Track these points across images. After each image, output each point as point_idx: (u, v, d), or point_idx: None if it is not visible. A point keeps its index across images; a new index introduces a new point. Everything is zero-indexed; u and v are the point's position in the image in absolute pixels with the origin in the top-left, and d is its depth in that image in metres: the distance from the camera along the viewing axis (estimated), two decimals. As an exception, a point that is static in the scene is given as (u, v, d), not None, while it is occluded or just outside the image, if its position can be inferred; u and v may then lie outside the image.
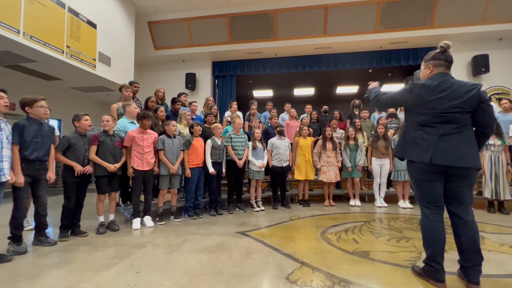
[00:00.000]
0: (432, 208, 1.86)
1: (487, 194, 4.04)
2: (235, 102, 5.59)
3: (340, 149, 4.85)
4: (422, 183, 1.87)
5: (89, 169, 3.06)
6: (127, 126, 3.68)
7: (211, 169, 3.91)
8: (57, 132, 3.25)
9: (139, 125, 3.49)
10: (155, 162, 3.55)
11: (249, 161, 4.36)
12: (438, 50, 1.90)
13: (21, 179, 2.49)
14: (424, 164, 1.80)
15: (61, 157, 2.94)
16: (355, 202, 4.64)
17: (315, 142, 4.90)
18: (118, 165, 3.22)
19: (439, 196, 1.85)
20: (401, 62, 8.22)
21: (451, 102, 1.75)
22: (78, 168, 2.94)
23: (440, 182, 1.83)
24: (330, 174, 4.62)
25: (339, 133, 5.18)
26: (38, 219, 2.75)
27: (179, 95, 4.94)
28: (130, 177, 3.46)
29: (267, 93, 12.15)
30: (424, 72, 1.97)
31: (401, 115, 5.80)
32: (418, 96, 1.83)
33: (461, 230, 1.81)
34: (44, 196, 2.77)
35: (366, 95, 2.28)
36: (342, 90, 11.92)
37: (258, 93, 12.18)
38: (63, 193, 2.99)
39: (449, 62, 1.88)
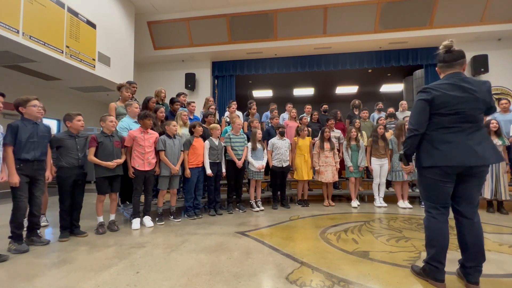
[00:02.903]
0: (439, 209, 1.85)
1: (486, 194, 4.04)
2: (235, 102, 5.58)
3: (339, 150, 4.87)
4: (436, 184, 1.83)
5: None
6: (132, 125, 3.69)
7: (209, 171, 3.91)
8: (54, 132, 3.23)
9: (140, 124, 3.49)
10: (156, 162, 3.55)
11: (248, 161, 4.36)
12: (440, 51, 1.88)
13: (15, 179, 2.48)
14: (449, 166, 1.75)
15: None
16: (356, 203, 4.64)
17: (313, 143, 4.91)
18: (118, 161, 3.21)
19: (448, 197, 1.84)
20: (400, 62, 8.24)
21: (472, 101, 1.73)
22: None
23: (452, 183, 1.81)
24: (328, 174, 4.63)
25: (337, 133, 5.18)
26: (32, 219, 2.74)
27: (178, 95, 4.93)
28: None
29: (267, 93, 12.16)
30: (439, 74, 1.96)
31: (400, 115, 5.81)
32: (440, 97, 1.77)
33: (468, 230, 1.80)
34: (40, 196, 2.76)
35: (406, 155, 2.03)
36: (342, 90, 11.94)
37: (257, 93, 12.19)
38: (58, 194, 2.98)
39: (451, 61, 1.84)
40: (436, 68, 1.96)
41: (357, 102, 6.03)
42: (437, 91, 1.79)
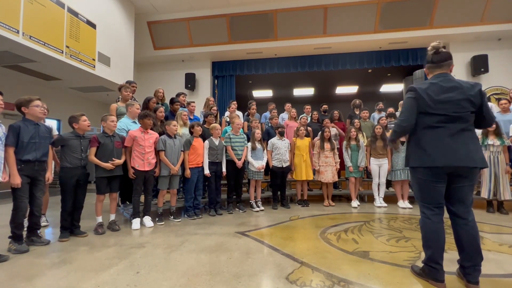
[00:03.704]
0: (433, 209, 1.85)
1: (484, 194, 4.04)
2: (235, 102, 5.58)
3: (339, 150, 4.88)
4: (427, 185, 1.84)
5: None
6: (130, 125, 3.68)
7: (207, 171, 3.92)
8: (55, 132, 3.23)
9: (140, 125, 3.49)
10: (156, 162, 3.54)
11: (248, 161, 4.36)
12: (428, 52, 1.92)
13: (17, 180, 2.49)
14: (435, 167, 1.77)
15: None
16: (356, 203, 4.63)
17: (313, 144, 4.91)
18: (116, 162, 3.20)
19: (441, 197, 1.85)
20: (400, 62, 8.24)
21: (459, 102, 1.75)
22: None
23: (443, 183, 1.82)
24: (328, 174, 4.63)
25: (333, 131, 5.18)
26: (32, 220, 2.74)
27: (178, 95, 4.94)
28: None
29: (267, 93, 12.15)
30: (427, 74, 2.00)
31: (400, 115, 5.80)
32: (426, 96, 1.80)
33: (463, 230, 1.80)
34: (41, 197, 2.76)
35: (390, 141, 2.16)
36: (342, 90, 11.94)
37: (257, 93, 12.19)
38: (60, 194, 2.98)
39: (439, 62, 1.87)
40: (424, 69, 1.98)
41: (358, 101, 6.03)
42: (423, 90, 1.82)
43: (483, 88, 1.81)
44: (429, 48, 1.92)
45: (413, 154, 1.89)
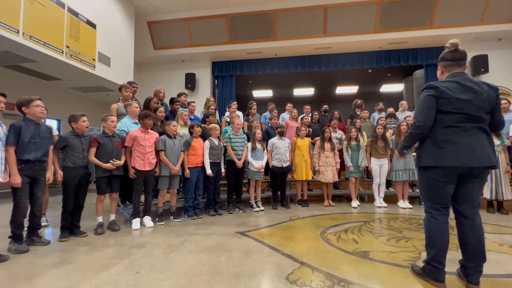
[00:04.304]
0: (440, 210, 1.84)
1: (486, 194, 4.03)
2: (235, 102, 5.58)
3: (339, 150, 4.88)
4: (437, 185, 1.82)
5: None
6: (131, 126, 3.68)
7: (209, 171, 3.92)
8: (55, 132, 3.23)
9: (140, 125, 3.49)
10: (156, 162, 3.54)
11: (248, 161, 4.36)
12: (447, 50, 1.87)
13: (17, 180, 2.48)
14: (450, 167, 1.74)
15: (53, 156, 2.92)
16: (356, 203, 4.63)
17: (312, 144, 4.91)
18: (117, 163, 3.20)
19: (449, 197, 1.84)
20: (400, 62, 8.24)
21: (479, 102, 1.72)
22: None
23: (453, 183, 1.80)
24: (328, 175, 4.62)
25: (338, 134, 5.19)
26: (33, 220, 2.74)
27: (179, 95, 4.94)
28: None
29: (267, 93, 12.16)
30: (438, 73, 1.95)
31: (400, 115, 5.81)
32: (449, 94, 1.75)
33: (469, 231, 1.79)
34: (41, 197, 2.76)
35: (405, 147, 1.99)
36: (342, 90, 11.95)
37: (257, 93, 12.20)
38: (62, 194, 2.98)
39: (459, 60, 1.84)
40: (439, 67, 1.92)
41: (359, 101, 6.03)
42: (444, 88, 1.77)
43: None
44: (447, 45, 1.85)
45: (427, 153, 1.84)
